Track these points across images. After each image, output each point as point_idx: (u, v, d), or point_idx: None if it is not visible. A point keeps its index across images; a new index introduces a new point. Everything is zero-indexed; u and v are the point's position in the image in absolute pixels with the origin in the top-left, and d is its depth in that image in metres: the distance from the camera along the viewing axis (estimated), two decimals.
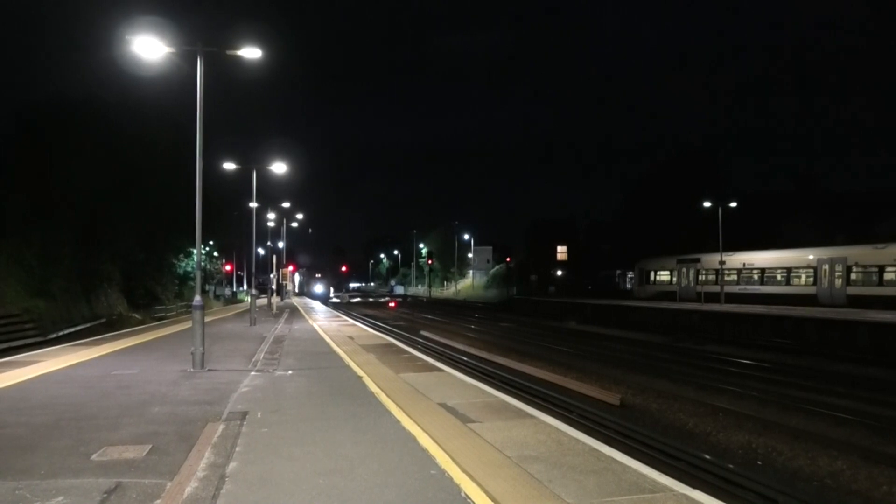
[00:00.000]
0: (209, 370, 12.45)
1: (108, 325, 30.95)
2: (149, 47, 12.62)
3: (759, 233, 49.66)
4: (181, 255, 46.15)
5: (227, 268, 74.43)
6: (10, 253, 28.16)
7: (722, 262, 39.20)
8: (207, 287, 61.14)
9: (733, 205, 41.75)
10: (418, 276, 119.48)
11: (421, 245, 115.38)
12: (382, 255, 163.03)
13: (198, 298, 13.01)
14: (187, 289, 45.87)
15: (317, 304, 60.30)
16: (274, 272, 51.93)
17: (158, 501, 5.16)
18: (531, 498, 5.21)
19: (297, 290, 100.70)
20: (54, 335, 25.83)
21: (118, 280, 38.41)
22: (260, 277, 57.60)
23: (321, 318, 31.79)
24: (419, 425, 7.67)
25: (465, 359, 22.29)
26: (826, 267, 34.49)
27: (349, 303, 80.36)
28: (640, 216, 65.48)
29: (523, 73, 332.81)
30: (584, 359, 22.96)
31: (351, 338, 20.32)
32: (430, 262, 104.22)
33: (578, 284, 68.62)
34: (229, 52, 13.35)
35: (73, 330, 28.14)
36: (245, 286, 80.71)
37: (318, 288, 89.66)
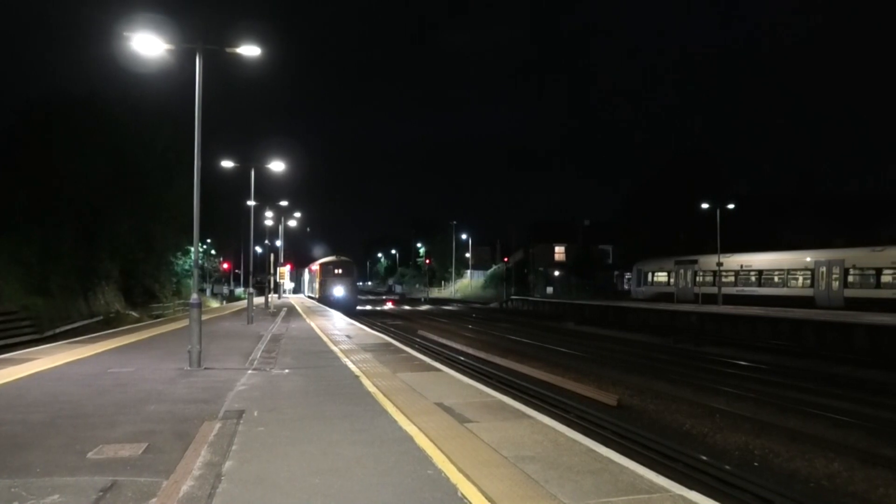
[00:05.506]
0: (206, 368, 12.42)
1: (105, 323, 30.91)
2: (148, 44, 12.62)
3: (758, 235, 49.74)
4: (179, 254, 46.12)
5: (225, 266, 74.33)
6: (9, 251, 28.15)
7: (719, 264, 39.24)
8: (205, 285, 61.01)
9: (731, 207, 41.87)
10: (416, 275, 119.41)
11: (419, 245, 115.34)
12: (380, 255, 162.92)
13: (195, 296, 13.00)
14: (185, 287, 45.80)
15: (316, 304, 49.99)
16: (272, 271, 51.73)
17: (154, 500, 5.14)
18: (528, 498, 5.20)
19: (306, 291, 77.93)
20: (51, 333, 25.81)
21: (116, 278, 38.38)
22: (258, 276, 56.79)
23: (319, 317, 31.75)
24: (416, 425, 7.66)
25: (462, 359, 22.28)
26: (823, 269, 34.52)
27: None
28: (640, 217, 65.58)
29: (526, 73, 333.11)
30: (581, 360, 22.96)
31: (349, 336, 20.30)
32: (427, 261, 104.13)
33: (577, 285, 68.66)
34: (229, 50, 13.35)
35: (69, 327, 28.12)
36: (242, 285, 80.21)
37: (339, 290, 54.79)
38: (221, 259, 69.40)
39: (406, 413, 8.34)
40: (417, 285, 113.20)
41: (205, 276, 59.57)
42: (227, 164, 28.36)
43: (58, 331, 26.58)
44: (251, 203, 31.40)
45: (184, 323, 22.59)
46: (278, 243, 57.37)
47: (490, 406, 9.00)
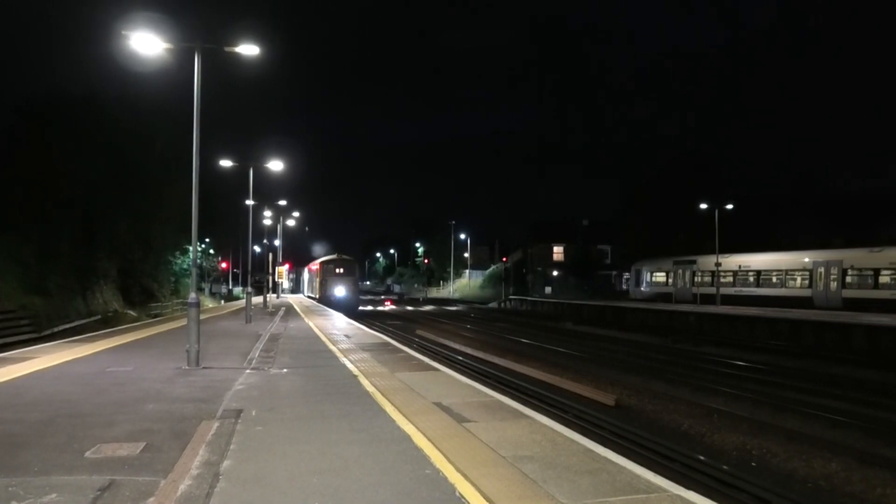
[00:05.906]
0: (204, 368, 12.41)
1: (104, 322, 30.90)
2: (147, 43, 12.61)
3: (757, 235, 49.78)
4: (177, 253, 46.14)
5: (224, 265, 74.21)
6: (8, 250, 28.13)
7: (718, 264, 39.28)
8: (203, 285, 60.92)
9: (730, 207, 41.92)
10: (414, 275, 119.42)
11: (418, 244, 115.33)
12: (379, 255, 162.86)
13: (193, 296, 12.99)
14: (183, 286, 45.79)
15: (315, 304, 49.42)
16: (271, 270, 51.71)
17: (152, 499, 5.14)
18: (526, 497, 5.20)
19: (306, 291, 75.85)
20: (49, 332, 25.80)
21: (114, 277, 38.38)
22: (256, 276, 56.53)
23: (317, 317, 31.72)
24: (414, 424, 7.66)
25: (460, 358, 22.29)
26: (822, 270, 34.56)
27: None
28: (639, 217, 65.60)
29: (526, 73, 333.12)
30: (579, 359, 22.96)
31: (347, 336, 20.29)
32: (426, 261, 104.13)
33: (575, 285, 68.70)
34: (227, 49, 13.35)
35: (67, 326, 28.10)
36: (241, 284, 79.97)
37: (340, 290, 53.16)
38: (220, 258, 69.31)
39: (404, 413, 8.34)
40: (416, 285, 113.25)
41: (203, 275, 59.51)
42: (225, 163, 28.35)
43: (56, 330, 26.57)
44: (250, 202, 31.40)
45: (182, 322, 22.58)
46: (277, 243, 57.38)
47: (488, 406, 9.00)
